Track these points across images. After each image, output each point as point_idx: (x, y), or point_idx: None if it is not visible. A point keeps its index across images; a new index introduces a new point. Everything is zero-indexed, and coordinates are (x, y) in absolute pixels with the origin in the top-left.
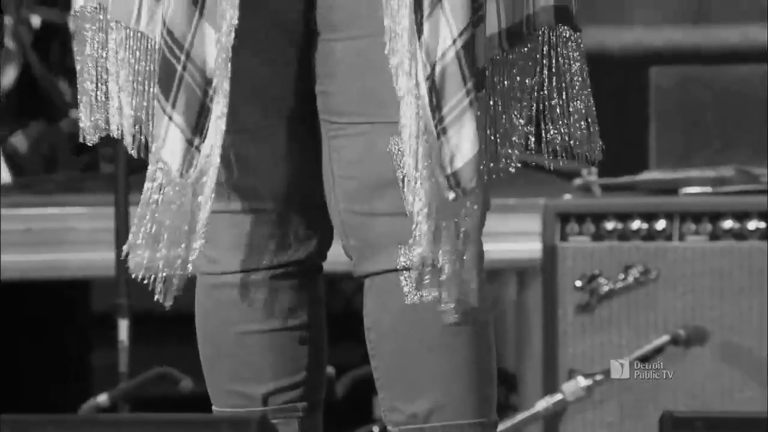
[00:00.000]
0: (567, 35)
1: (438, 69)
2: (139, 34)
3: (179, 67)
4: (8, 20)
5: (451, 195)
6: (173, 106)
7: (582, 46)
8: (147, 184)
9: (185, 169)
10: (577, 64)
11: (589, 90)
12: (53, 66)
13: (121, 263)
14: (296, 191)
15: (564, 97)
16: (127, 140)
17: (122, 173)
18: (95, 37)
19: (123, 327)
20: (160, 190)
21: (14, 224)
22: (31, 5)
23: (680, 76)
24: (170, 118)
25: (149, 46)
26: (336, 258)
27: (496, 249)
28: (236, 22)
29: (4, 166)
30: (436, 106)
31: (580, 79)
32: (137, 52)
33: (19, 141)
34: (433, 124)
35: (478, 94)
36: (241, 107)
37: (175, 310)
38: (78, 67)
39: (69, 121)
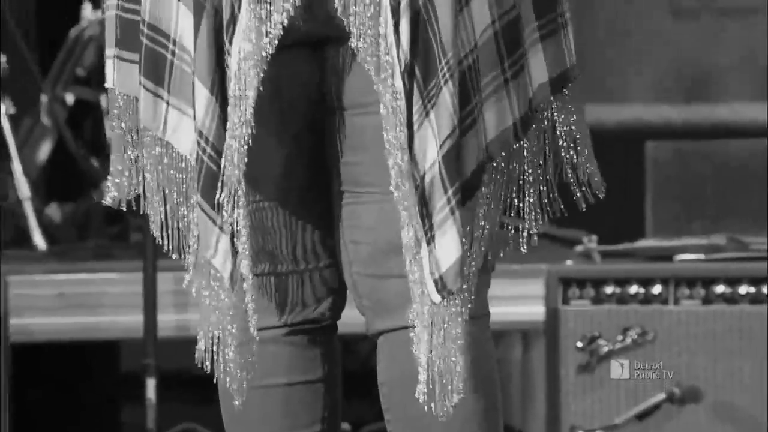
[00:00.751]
0: (561, 104)
1: (427, 179)
2: (165, 143)
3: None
4: (44, 98)
5: (438, 298)
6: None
7: (582, 105)
8: (203, 292)
9: (237, 276)
10: (573, 117)
11: (589, 137)
12: (86, 141)
13: (149, 325)
14: (311, 255)
15: (570, 153)
16: (155, 232)
17: (150, 242)
18: (123, 118)
19: (150, 385)
20: (216, 297)
21: (48, 289)
22: (66, 84)
23: (674, 151)
24: (221, 229)
25: (174, 154)
26: (352, 320)
27: (502, 312)
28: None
29: (39, 234)
30: (425, 215)
31: (579, 133)
32: (164, 158)
33: (53, 211)
34: (423, 231)
35: (466, 200)
36: (257, 181)
37: (198, 369)
38: (109, 142)
39: (100, 193)
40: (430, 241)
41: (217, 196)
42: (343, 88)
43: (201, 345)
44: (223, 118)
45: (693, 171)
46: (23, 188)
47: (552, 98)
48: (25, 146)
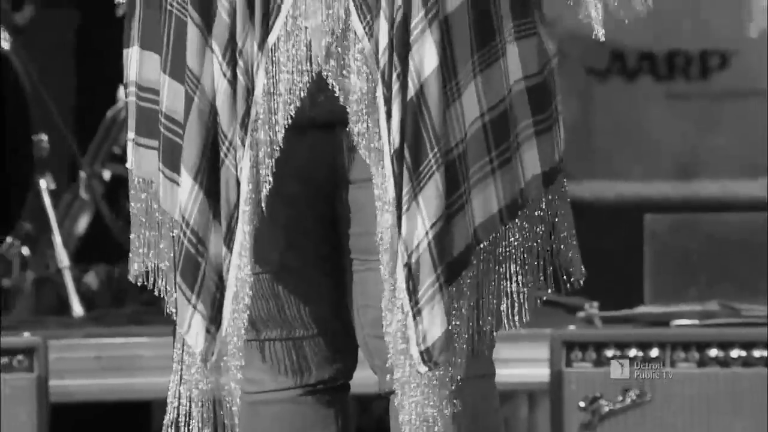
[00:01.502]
0: (553, 196)
1: (414, 258)
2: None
3: (202, 263)
4: (83, 174)
5: (424, 368)
6: (197, 296)
7: (567, 195)
8: (174, 366)
9: (208, 354)
10: (564, 210)
11: (573, 228)
12: (121, 214)
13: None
14: (323, 320)
15: (557, 242)
16: (170, 308)
17: None
18: (138, 199)
19: None
20: (189, 370)
21: (86, 352)
22: (103, 161)
23: (670, 223)
24: (194, 308)
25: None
26: (366, 380)
27: (509, 373)
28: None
29: (77, 301)
30: (413, 291)
31: (567, 224)
32: (176, 232)
33: (91, 279)
34: (410, 306)
35: (452, 279)
36: (271, 251)
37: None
38: (131, 218)
39: None
40: (416, 315)
41: (197, 283)
42: (350, 164)
43: (169, 408)
44: (208, 205)
45: (688, 242)
46: (63, 258)
47: (543, 189)
48: (65, 219)
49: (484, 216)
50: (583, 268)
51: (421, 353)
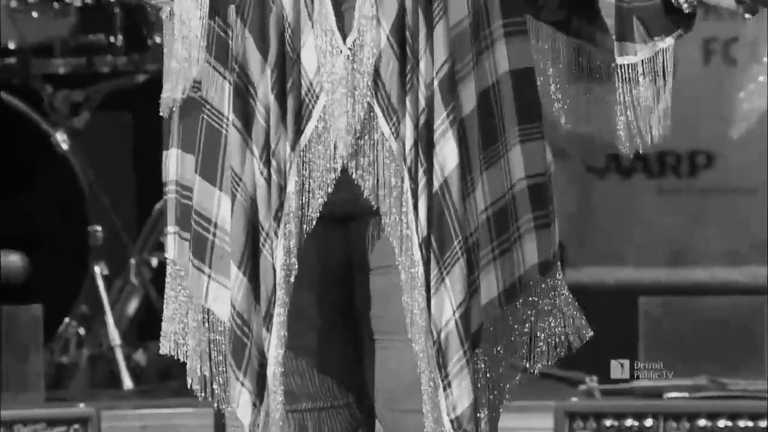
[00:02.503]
0: (549, 284)
1: (443, 335)
2: (207, 309)
3: (248, 344)
4: (133, 261)
5: None
6: (244, 374)
7: (563, 285)
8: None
9: (254, 426)
10: (560, 299)
11: (574, 305)
12: None
13: None
14: (344, 392)
15: (555, 324)
16: (192, 382)
17: None
18: (174, 286)
19: None
20: None
21: (135, 422)
22: (151, 250)
23: (662, 305)
24: (242, 384)
25: (214, 320)
26: None
27: None
28: (284, 322)
29: (127, 376)
30: (442, 365)
31: (564, 308)
32: (206, 323)
33: (140, 356)
34: (440, 379)
35: (475, 352)
36: (296, 331)
37: None
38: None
39: None
40: (446, 387)
41: (244, 361)
42: (369, 253)
43: None
44: (250, 290)
45: (678, 323)
46: (115, 337)
47: (539, 277)
48: (117, 302)
49: (488, 298)
50: (587, 329)
51: (451, 421)
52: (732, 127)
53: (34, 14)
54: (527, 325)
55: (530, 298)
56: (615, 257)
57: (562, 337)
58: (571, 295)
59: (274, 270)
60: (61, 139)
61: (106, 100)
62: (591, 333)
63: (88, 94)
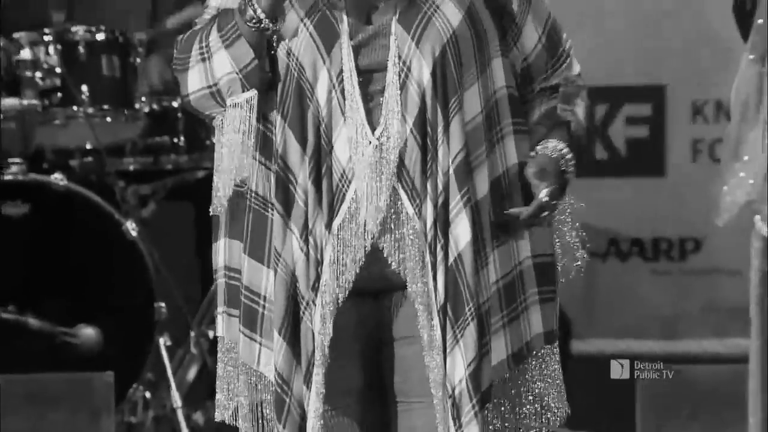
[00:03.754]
0: (551, 351)
1: (457, 391)
2: (259, 373)
3: (287, 400)
4: (193, 334)
5: None
6: (284, 426)
7: (557, 354)
8: None
9: None
10: (553, 367)
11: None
12: None
13: None
14: None
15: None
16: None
17: None
18: (224, 358)
19: None
20: None
21: None
22: (209, 323)
23: (657, 374)
24: None
25: (266, 382)
26: None
27: None
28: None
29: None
30: (456, 416)
31: (554, 377)
32: (258, 385)
33: (198, 416)
34: (455, 429)
35: (485, 406)
36: (335, 393)
37: None
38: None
39: None
40: None
41: (283, 415)
42: (393, 324)
43: None
44: (290, 353)
45: (671, 388)
46: (176, 400)
47: (544, 345)
48: (179, 369)
49: (498, 360)
50: (566, 404)
51: None
52: (717, 217)
53: (108, 119)
54: (529, 386)
55: (533, 363)
56: (615, 330)
57: (547, 400)
58: (560, 368)
59: (313, 335)
60: (131, 227)
61: (170, 193)
62: (568, 411)
63: (154, 188)
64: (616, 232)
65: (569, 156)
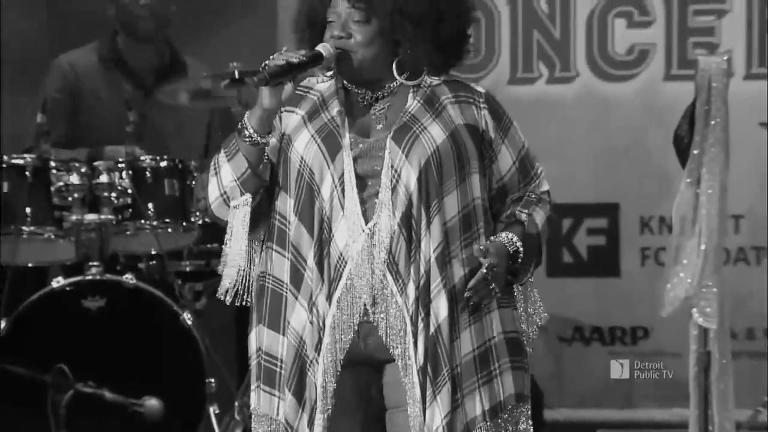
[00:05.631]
0: (524, 409)
1: None
2: (278, 422)
3: None
4: (237, 403)
5: None
6: None
7: (529, 414)
8: None
9: None
10: (526, 424)
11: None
12: None
13: None
14: None
15: None
16: None
17: None
18: (259, 421)
19: None
20: None
21: None
22: (249, 395)
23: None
24: None
25: (281, 426)
26: None
27: None
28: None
29: None
30: None
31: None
32: (273, 427)
33: None
34: None
35: None
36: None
37: None
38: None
39: None
40: None
41: None
42: (389, 392)
43: None
44: (295, 403)
45: None
46: None
47: (515, 404)
48: None
49: (474, 413)
50: None
51: None
52: (662, 310)
53: (169, 230)
54: None
55: (506, 416)
56: (580, 402)
57: None
58: (531, 426)
59: (316, 387)
60: (187, 318)
61: (218, 290)
62: None
63: (205, 285)
64: (580, 322)
65: (519, 244)
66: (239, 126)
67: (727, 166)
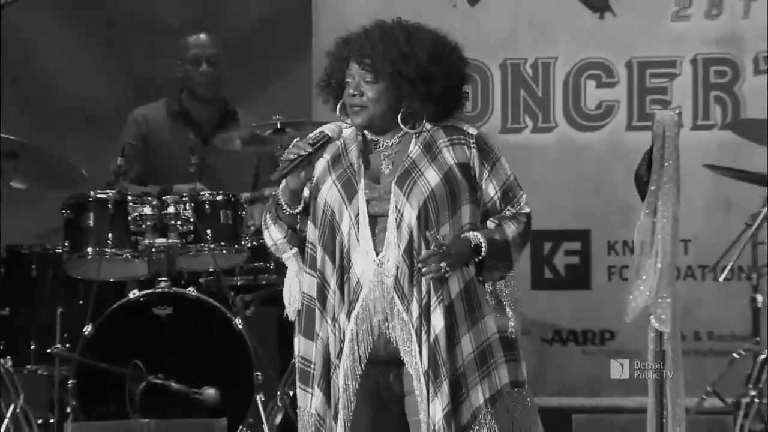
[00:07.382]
0: (517, 395)
1: (436, 427)
2: (309, 412)
3: (323, 430)
4: (279, 393)
5: None
6: None
7: (528, 397)
8: None
9: None
10: (519, 410)
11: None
12: None
13: None
14: None
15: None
16: None
17: None
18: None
19: None
20: None
21: None
22: (289, 385)
23: (587, 420)
24: None
25: (312, 417)
26: None
27: None
28: None
29: None
30: None
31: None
32: (305, 418)
33: None
34: None
35: None
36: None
37: None
38: None
39: None
40: None
41: None
42: (408, 381)
43: None
44: (324, 400)
45: (596, 430)
46: None
47: (509, 391)
48: (269, 417)
49: (477, 403)
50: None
51: None
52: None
53: (224, 251)
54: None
55: (504, 402)
56: (557, 390)
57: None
58: (534, 403)
59: (338, 388)
60: (239, 323)
61: (264, 300)
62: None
63: (254, 297)
64: (559, 326)
65: (481, 239)
66: (274, 199)
67: (679, 200)
